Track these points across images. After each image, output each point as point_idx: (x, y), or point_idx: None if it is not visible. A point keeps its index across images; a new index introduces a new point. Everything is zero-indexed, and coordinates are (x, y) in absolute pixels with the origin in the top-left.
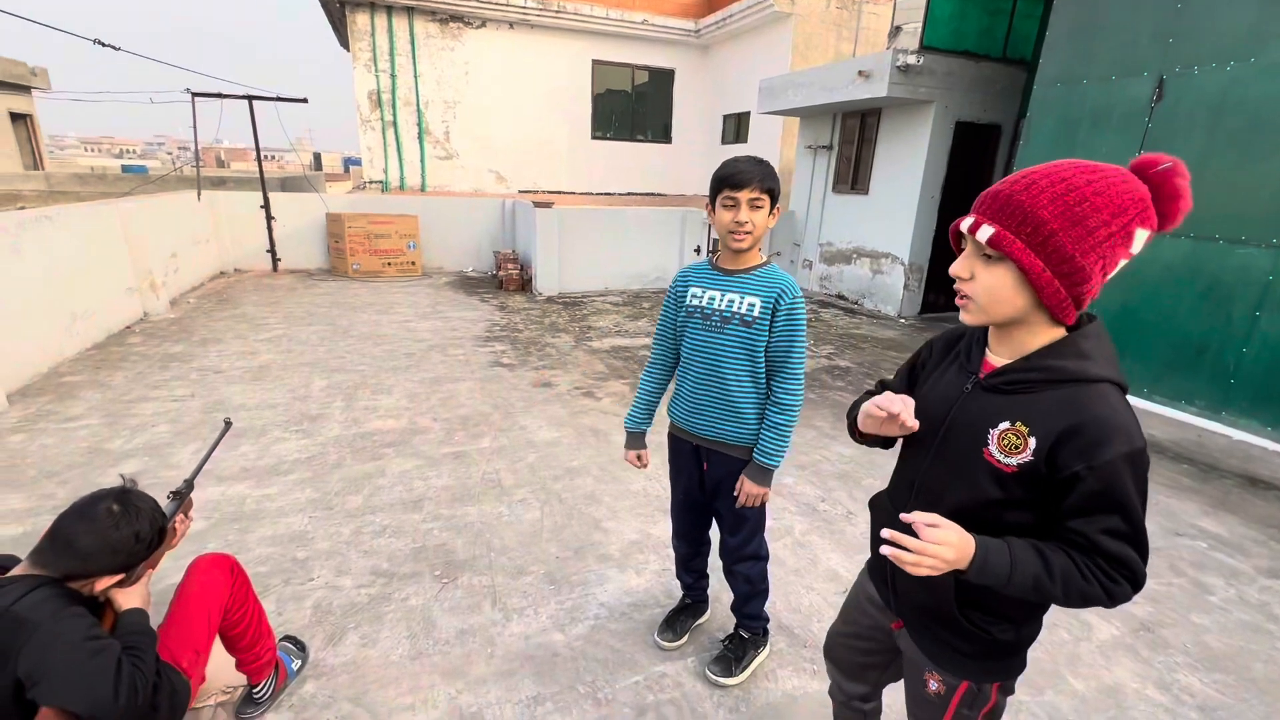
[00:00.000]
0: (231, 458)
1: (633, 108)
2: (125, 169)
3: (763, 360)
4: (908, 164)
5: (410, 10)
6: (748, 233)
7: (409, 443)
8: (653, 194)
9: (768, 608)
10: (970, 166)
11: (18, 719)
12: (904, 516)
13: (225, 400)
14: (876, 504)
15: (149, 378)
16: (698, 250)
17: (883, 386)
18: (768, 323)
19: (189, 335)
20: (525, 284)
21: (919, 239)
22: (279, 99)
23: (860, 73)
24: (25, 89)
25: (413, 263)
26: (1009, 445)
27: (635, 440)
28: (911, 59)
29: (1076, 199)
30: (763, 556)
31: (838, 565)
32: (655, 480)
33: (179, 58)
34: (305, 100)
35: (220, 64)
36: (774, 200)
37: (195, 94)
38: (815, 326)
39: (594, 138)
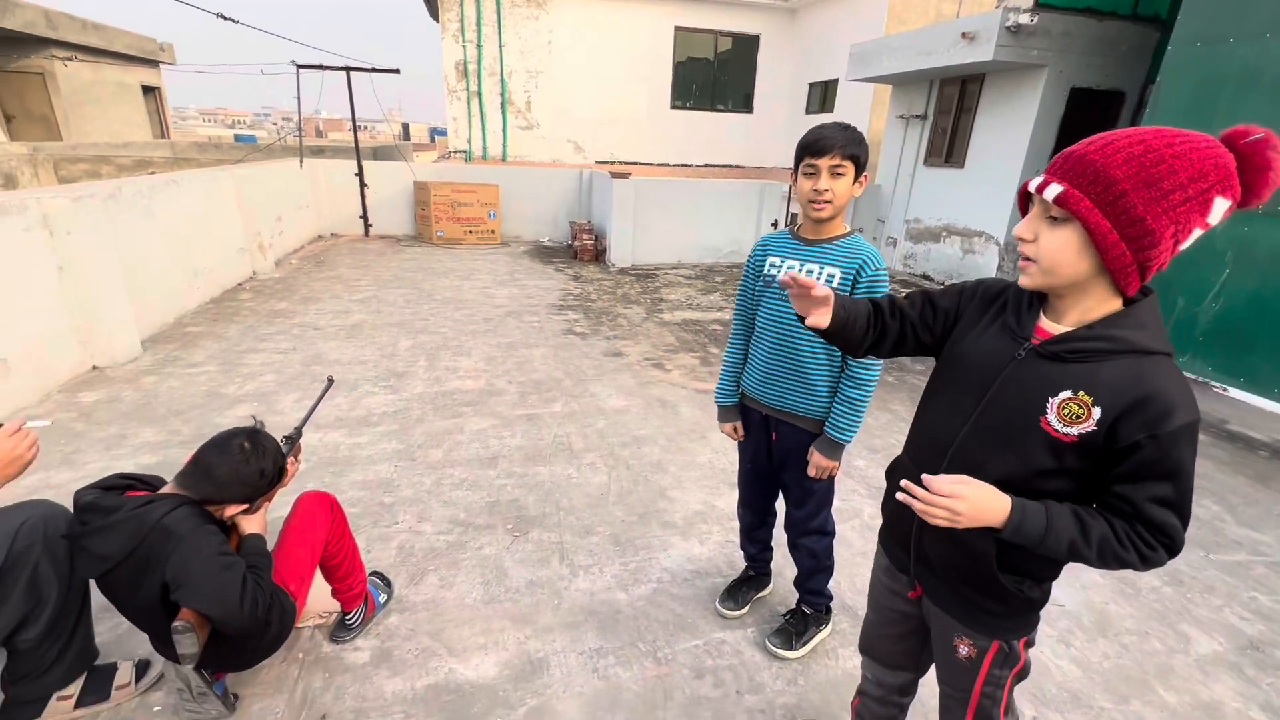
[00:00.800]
0: (327, 408)
1: (714, 76)
2: (237, 138)
3: None
4: (1011, 135)
5: None
6: (827, 201)
7: (486, 403)
8: (731, 166)
9: (832, 586)
10: (1084, 137)
11: (164, 614)
12: (926, 478)
13: (322, 355)
14: (896, 469)
15: (257, 331)
16: (774, 224)
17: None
18: (847, 295)
19: (291, 294)
20: (599, 254)
21: (1019, 218)
22: (373, 69)
23: (964, 34)
24: (154, 63)
25: (492, 231)
26: (1070, 415)
27: (727, 413)
28: (1023, 18)
29: (1153, 160)
30: (828, 532)
31: None
32: (722, 454)
33: (284, 30)
34: (397, 71)
35: (320, 37)
36: (859, 168)
37: (300, 66)
38: None
39: (673, 107)
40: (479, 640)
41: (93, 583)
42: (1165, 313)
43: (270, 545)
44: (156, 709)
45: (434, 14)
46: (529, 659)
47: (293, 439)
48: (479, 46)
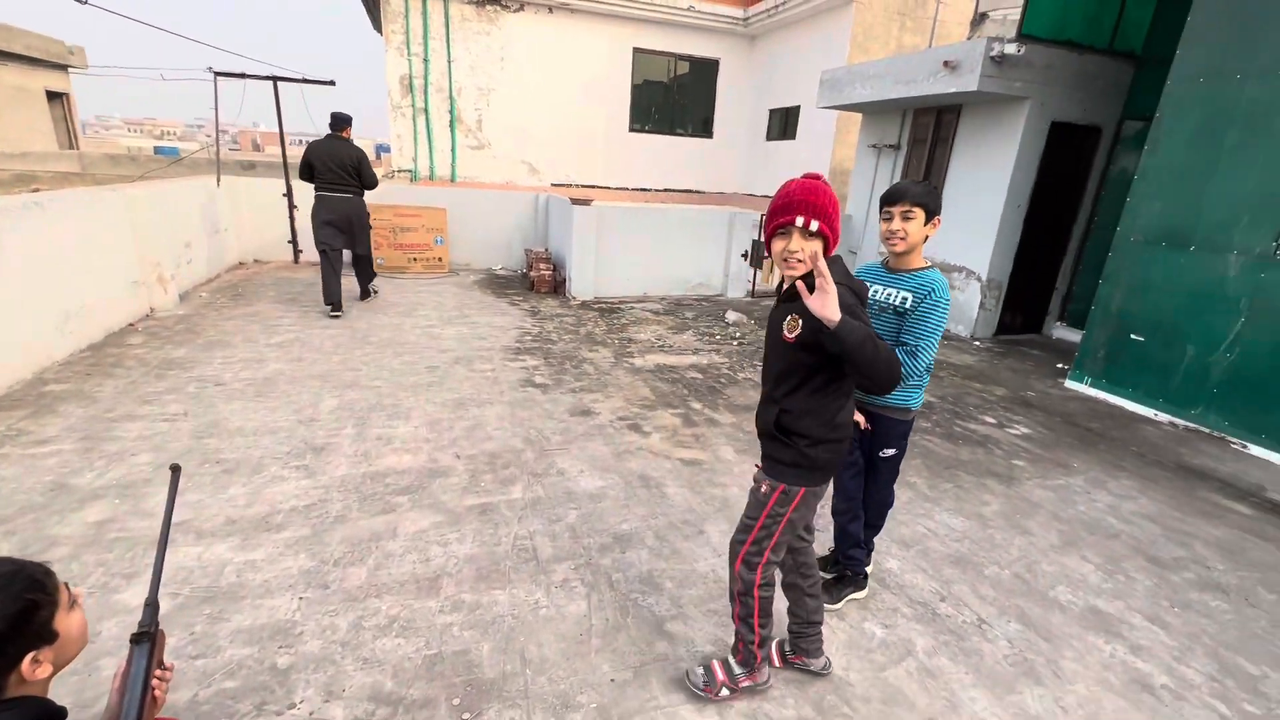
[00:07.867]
0: (217, 504)
1: (673, 99)
2: (158, 150)
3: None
4: (992, 168)
5: None
6: (901, 239)
7: (427, 488)
8: (690, 191)
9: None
10: (1063, 173)
11: None
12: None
13: (220, 422)
14: None
15: (141, 388)
16: (744, 255)
17: None
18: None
19: (195, 337)
20: (558, 285)
21: (1000, 253)
22: (305, 80)
23: (946, 63)
24: (62, 67)
25: (439, 259)
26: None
27: None
28: (1010, 48)
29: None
30: (838, 511)
31: (984, 710)
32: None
33: (228, 41)
34: (333, 83)
35: (260, 49)
36: (929, 214)
37: (218, 73)
38: None
39: (632, 130)
40: None
41: None
42: (1175, 361)
43: None
44: None
45: (377, 25)
46: None
47: (149, 634)
48: (426, 61)
